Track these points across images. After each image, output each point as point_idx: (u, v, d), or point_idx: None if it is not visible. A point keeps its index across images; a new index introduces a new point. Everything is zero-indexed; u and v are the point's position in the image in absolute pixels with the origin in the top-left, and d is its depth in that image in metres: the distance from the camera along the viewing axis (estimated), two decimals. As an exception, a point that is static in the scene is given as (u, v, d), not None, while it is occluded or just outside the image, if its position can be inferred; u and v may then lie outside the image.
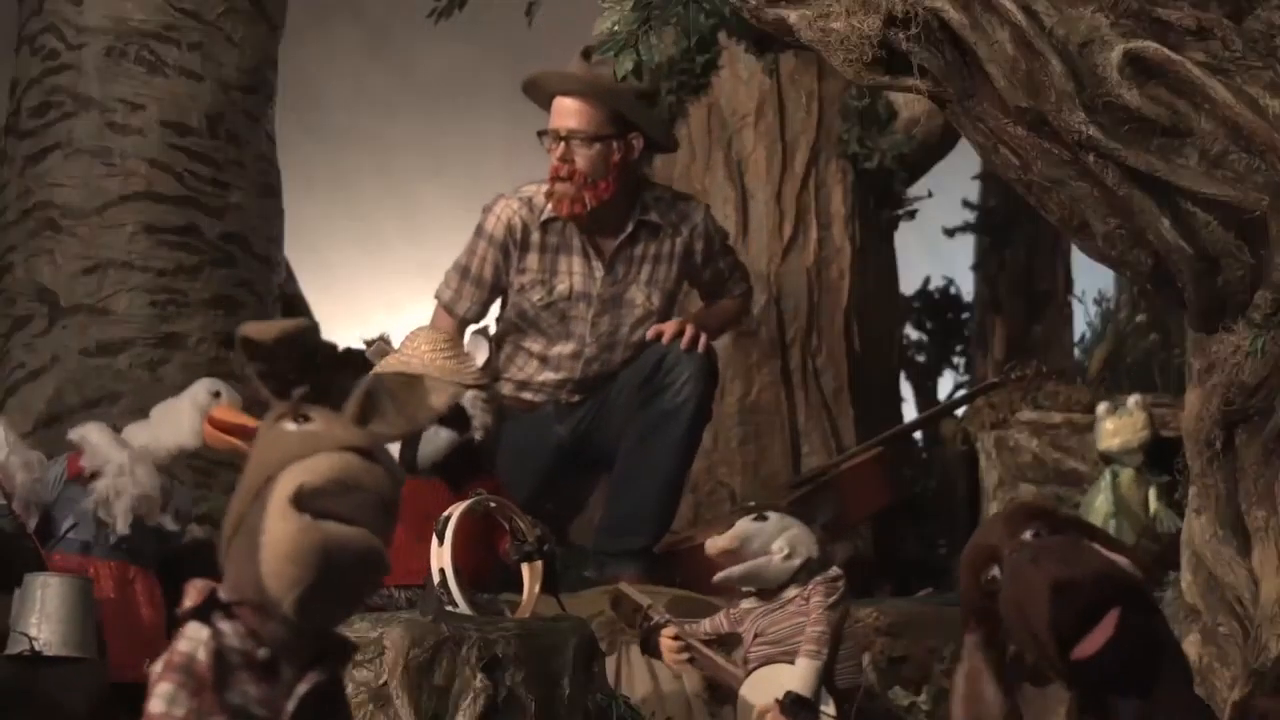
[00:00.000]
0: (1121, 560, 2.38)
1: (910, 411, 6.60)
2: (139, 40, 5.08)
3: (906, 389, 6.90)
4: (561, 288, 4.52)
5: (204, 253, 5.09)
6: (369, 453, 1.99)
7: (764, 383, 5.84)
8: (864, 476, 4.88)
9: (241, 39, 5.19)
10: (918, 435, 6.22)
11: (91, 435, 3.87)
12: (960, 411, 5.51)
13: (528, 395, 4.64)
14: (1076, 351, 6.59)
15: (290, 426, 2.03)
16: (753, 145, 5.97)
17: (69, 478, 3.91)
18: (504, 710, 3.07)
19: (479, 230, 4.54)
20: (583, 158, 4.37)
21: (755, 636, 3.32)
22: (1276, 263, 2.89)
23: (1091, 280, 6.37)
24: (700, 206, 4.66)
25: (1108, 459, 4.50)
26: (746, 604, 3.37)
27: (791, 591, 3.32)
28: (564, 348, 4.57)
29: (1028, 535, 2.41)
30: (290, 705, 1.95)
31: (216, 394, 4.06)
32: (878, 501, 4.96)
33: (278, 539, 1.94)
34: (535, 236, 4.49)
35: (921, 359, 7.42)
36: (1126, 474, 4.47)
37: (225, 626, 1.97)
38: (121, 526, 3.77)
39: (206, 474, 4.97)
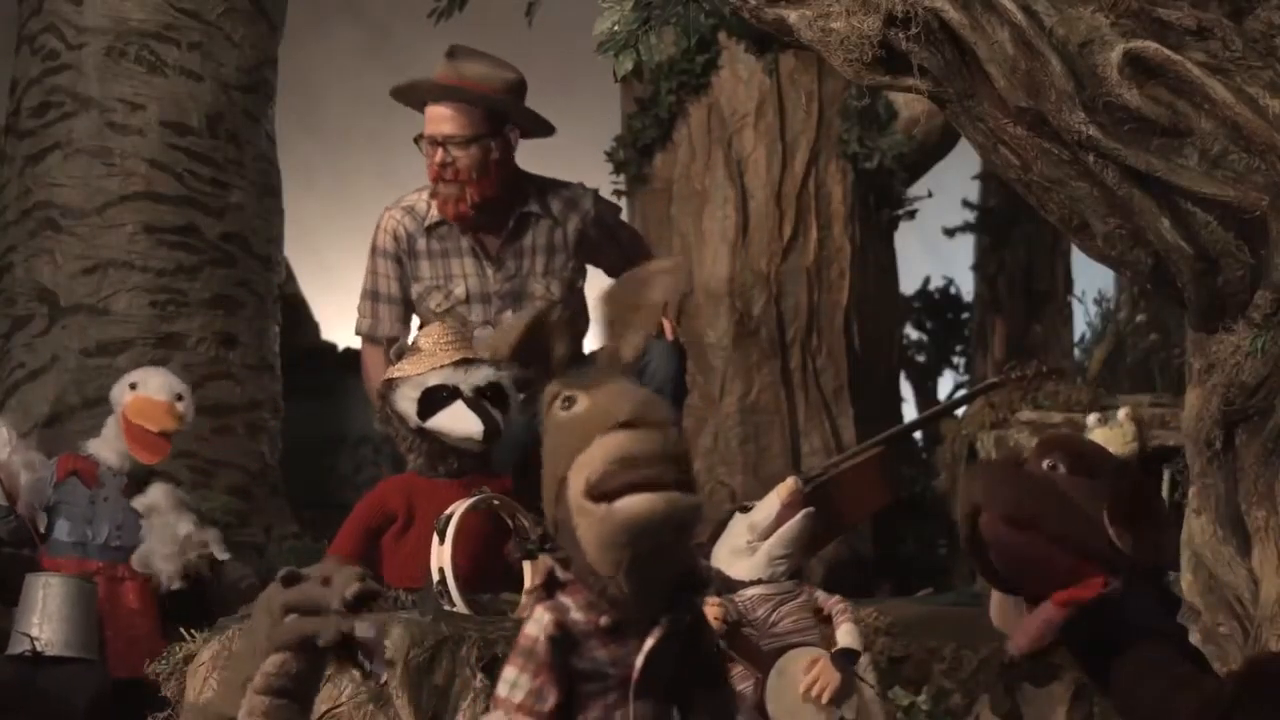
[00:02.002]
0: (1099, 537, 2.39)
1: (910, 411, 6.60)
2: (139, 40, 5.08)
3: (906, 389, 6.90)
4: (458, 291, 4.51)
5: (204, 253, 5.09)
6: (638, 421, 2.07)
7: (764, 383, 5.84)
8: (863, 476, 4.87)
9: (241, 39, 5.20)
10: (918, 435, 6.22)
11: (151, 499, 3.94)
12: (960, 411, 5.50)
13: None
14: (1076, 351, 6.60)
15: (561, 415, 2.11)
16: (753, 145, 5.96)
17: (58, 480, 3.92)
18: (504, 710, 3.07)
19: (371, 250, 4.53)
20: (463, 159, 4.38)
21: (770, 625, 3.35)
22: (1276, 263, 2.89)
23: (1091, 280, 6.37)
24: (588, 193, 4.62)
25: None
26: (753, 592, 3.39)
27: (790, 583, 3.37)
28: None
29: (1045, 464, 2.43)
30: (639, 660, 2.10)
31: (133, 386, 4.06)
32: (877, 501, 4.95)
33: (586, 533, 2.06)
34: (422, 243, 4.48)
35: (921, 359, 7.43)
36: None
37: (567, 601, 2.11)
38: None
39: (206, 474, 4.98)
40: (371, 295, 4.53)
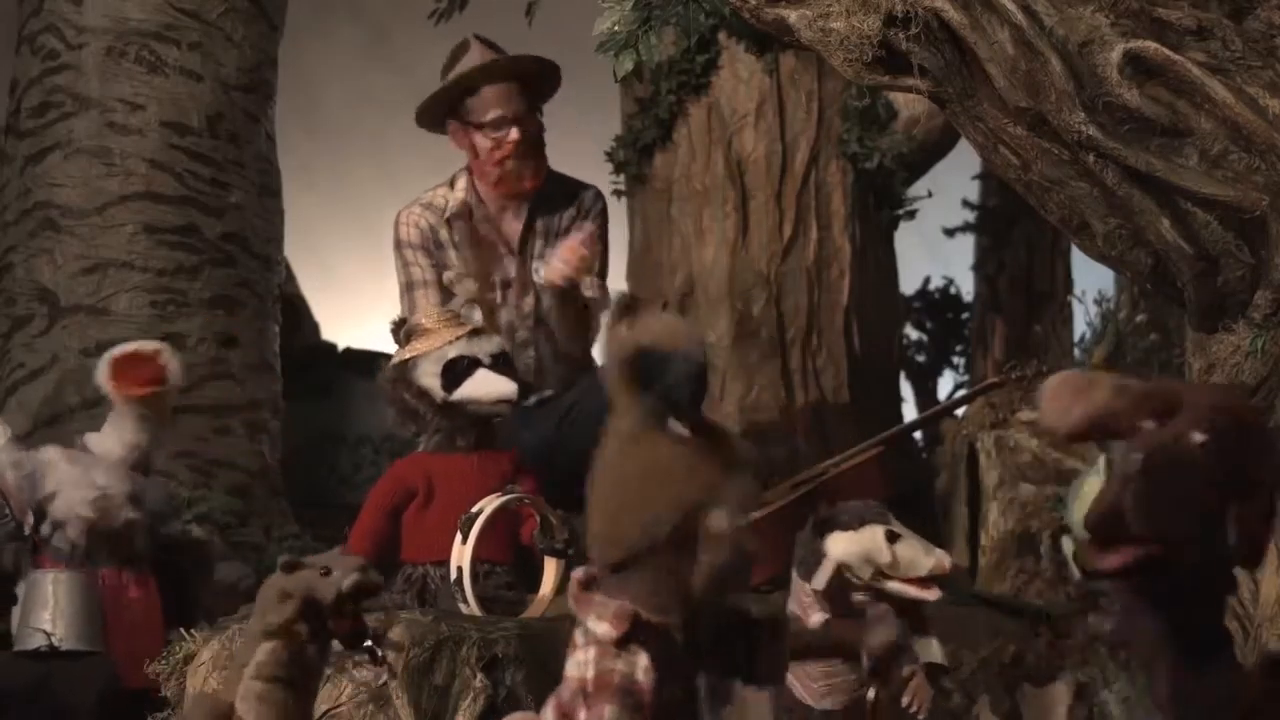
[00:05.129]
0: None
1: (910, 411, 6.59)
2: (139, 40, 5.08)
3: (906, 389, 6.89)
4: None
5: (204, 253, 5.09)
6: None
7: (764, 383, 5.84)
8: (863, 476, 4.87)
9: (241, 39, 5.19)
10: (918, 435, 6.21)
11: (45, 455, 3.88)
12: (960, 411, 5.50)
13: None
14: (1076, 351, 6.59)
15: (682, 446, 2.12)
16: (753, 145, 5.96)
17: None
18: (504, 710, 3.07)
19: (397, 245, 4.59)
20: (534, 131, 4.52)
21: None
22: (1276, 263, 2.89)
23: (1091, 280, 6.36)
24: (591, 189, 4.71)
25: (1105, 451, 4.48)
26: None
27: None
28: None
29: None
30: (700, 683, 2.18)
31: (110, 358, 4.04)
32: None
33: (717, 565, 2.11)
34: (445, 234, 4.58)
35: (921, 359, 7.42)
36: None
37: (649, 642, 2.14)
38: (74, 536, 3.76)
39: (206, 474, 4.98)
40: (408, 287, 4.60)
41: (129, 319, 4.97)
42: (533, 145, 4.50)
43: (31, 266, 5.04)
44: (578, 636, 2.16)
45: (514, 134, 4.48)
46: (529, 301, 4.59)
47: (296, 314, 6.39)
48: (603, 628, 2.10)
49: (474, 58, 4.52)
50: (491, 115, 4.49)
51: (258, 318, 5.23)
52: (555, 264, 4.41)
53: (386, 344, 5.90)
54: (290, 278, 6.36)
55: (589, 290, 4.55)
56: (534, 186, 4.54)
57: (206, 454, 5.00)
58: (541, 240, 4.60)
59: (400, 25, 7.83)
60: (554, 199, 4.62)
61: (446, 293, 4.55)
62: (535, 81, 4.53)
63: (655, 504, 2.11)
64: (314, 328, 6.90)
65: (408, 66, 7.36)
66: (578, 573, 2.19)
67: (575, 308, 4.52)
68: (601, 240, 4.66)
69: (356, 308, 7.51)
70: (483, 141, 4.51)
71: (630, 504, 2.12)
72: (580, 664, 2.13)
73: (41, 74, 5.13)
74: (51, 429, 4.86)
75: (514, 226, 4.59)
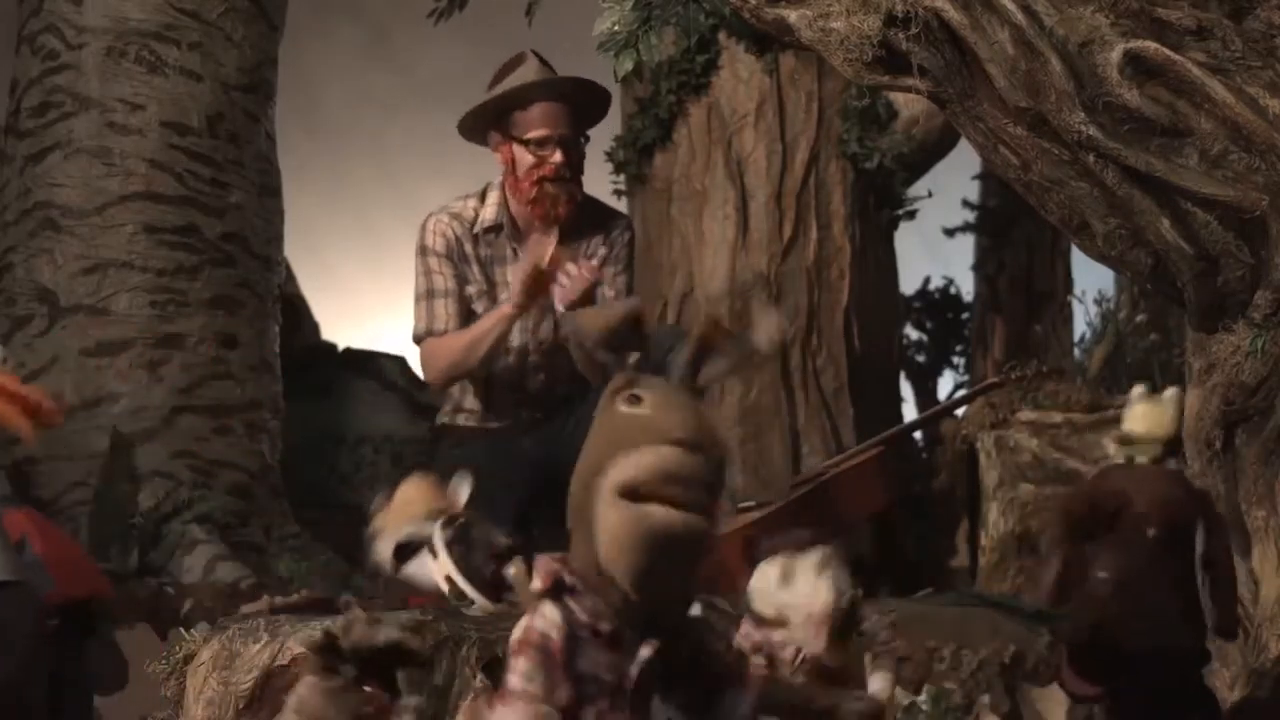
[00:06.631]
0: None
1: (910, 411, 6.60)
2: (139, 40, 5.08)
3: (906, 389, 6.90)
4: (505, 296, 4.53)
5: (204, 253, 5.09)
6: (693, 444, 2.09)
7: (764, 383, 5.84)
8: (863, 477, 4.87)
9: (241, 39, 5.19)
10: (918, 435, 6.22)
11: None
12: (960, 411, 5.50)
13: (493, 423, 4.64)
14: (1076, 351, 6.59)
15: (623, 409, 2.12)
16: (753, 145, 5.97)
17: None
18: (504, 710, 3.07)
19: (421, 251, 4.54)
20: (575, 156, 4.44)
21: None
22: (1276, 263, 2.89)
23: (1091, 280, 6.38)
24: (622, 219, 4.67)
25: (1127, 442, 4.46)
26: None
27: None
28: (508, 359, 4.56)
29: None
30: (633, 670, 2.12)
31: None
32: (876, 502, 4.96)
33: (609, 528, 2.08)
34: (470, 248, 4.52)
35: (921, 359, 7.43)
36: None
37: (573, 604, 2.12)
38: None
39: (206, 474, 4.98)
40: (426, 295, 4.55)
41: (129, 319, 4.97)
42: (573, 170, 4.43)
43: (31, 266, 5.05)
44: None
45: (558, 155, 4.40)
46: (546, 327, 4.55)
47: (296, 314, 6.39)
48: (534, 583, 2.14)
49: (529, 72, 4.46)
50: (538, 133, 4.42)
51: (258, 318, 5.23)
52: (556, 288, 4.38)
53: (386, 344, 5.91)
54: (290, 278, 6.36)
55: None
56: (566, 213, 4.45)
57: (206, 454, 5.01)
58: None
59: (400, 25, 7.83)
60: (584, 225, 4.56)
61: (466, 305, 4.54)
62: (585, 106, 4.46)
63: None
64: (314, 328, 6.90)
65: (408, 66, 7.36)
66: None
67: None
68: (627, 271, 4.61)
69: (356, 308, 7.51)
70: (525, 157, 4.44)
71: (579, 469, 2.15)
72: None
73: (41, 74, 5.13)
74: (51, 429, 4.86)
75: (576, 258, 4.51)
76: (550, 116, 4.44)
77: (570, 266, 4.38)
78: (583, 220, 4.57)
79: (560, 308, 4.39)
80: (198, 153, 5.09)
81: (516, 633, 2.14)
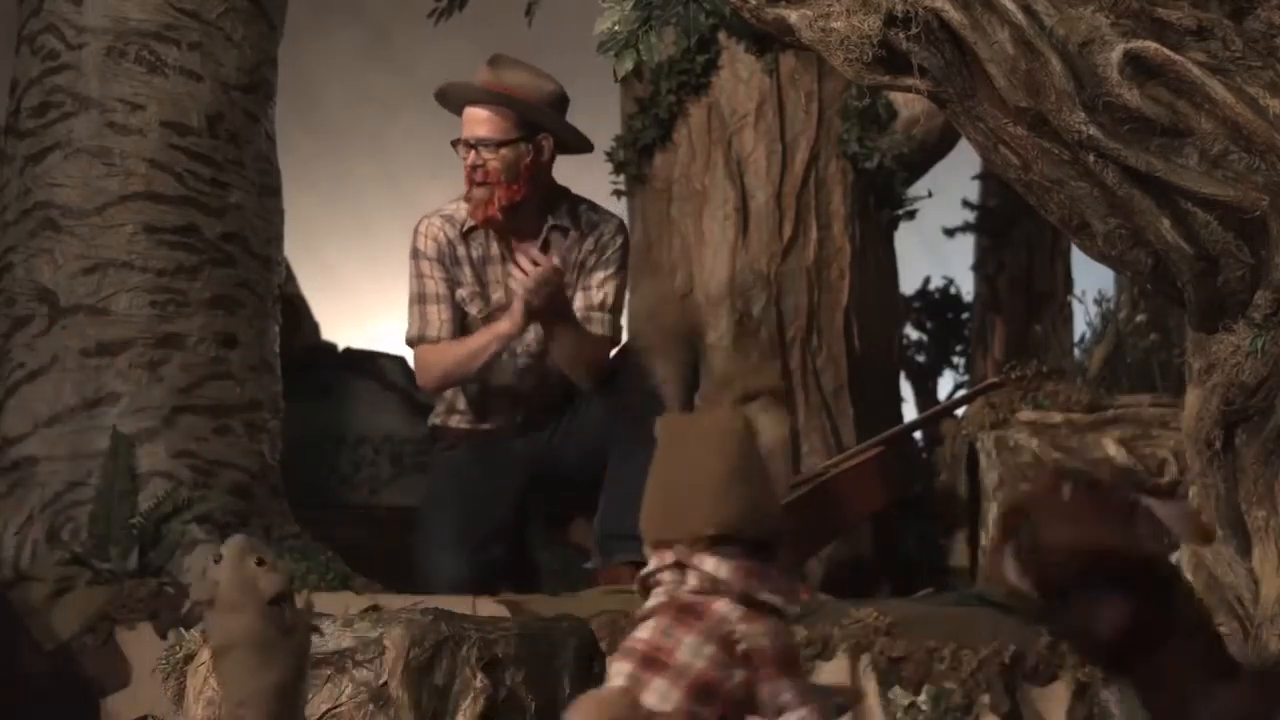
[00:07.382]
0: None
1: (910, 411, 6.60)
2: (139, 40, 5.07)
3: (906, 389, 6.90)
4: (498, 296, 4.53)
5: (204, 253, 5.08)
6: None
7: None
8: (863, 477, 4.88)
9: (241, 39, 5.19)
10: (918, 435, 6.22)
11: None
12: (960, 411, 5.50)
13: (485, 425, 4.64)
14: (1076, 351, 6.59)
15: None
16: (753, 145, 5.96)
17: None
18: (504, 710, 3.08)
19: (413, 255, 4.57)
20: (493, 161, 4.42)
21: None
22: (1276, 263, 2.89)
23: (1091, 280, 6.37)
24: (613, 221, 4.65)
25: None
26: None
27: None
28: (500, 361, 4.56)
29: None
30: None
31: None
32: (876, 502, 4.96)
33: None
34: (461, 250, 4.54)
35: (921, 359, 7.42)
36: None
37: None
38: None
39: (206, 474, 4.97)
40: (419, 299, 4.57)
41: (129, 319, 4.97)
42: (500, 174, 4.41)
43: (31, 266, 5.04)
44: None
45: (470, 158, 4.43)
46: (534, 327, 4.54)
47: (296, 314, 6.38)
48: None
49: (478, 75, 4.49)
50: (463, 134, 4.46)
51: (258, 318, 5.22)
52: (516, 275, 4.38)
53: (386, 344, 5.92)
54: (290, 278, 6.36)
55: (599, 328, 4.51)
56: (496, 215, 4.44)
57: (206, 454, 5.00)
58: (572, 272, 4.54)
59: (400, 25, 7.83)
60: (574, 226, 4.56)
61: (459, 309, 4.54)
62: (529, 110, 4.44)
63: None
64: (314, 328, 6.90)
65: (408, 66, 7.36)
66: None
67: (570, 334, 4.46)
68: (619, 274, 4.60)
69: (356, 308, 7.51)
70: (462, 157, 4.49)
71: None
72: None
73: (41, 74, 5.13)
74: (51, 429, 4.86)
75: (528, 248, 4.50)
76: (471, 120, 4.48)
77: (535, 254, 4.39)
78: (573, 222, 4.57)
79: (519, 293, 4.37)
80: (198, 153, 5.09)
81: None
